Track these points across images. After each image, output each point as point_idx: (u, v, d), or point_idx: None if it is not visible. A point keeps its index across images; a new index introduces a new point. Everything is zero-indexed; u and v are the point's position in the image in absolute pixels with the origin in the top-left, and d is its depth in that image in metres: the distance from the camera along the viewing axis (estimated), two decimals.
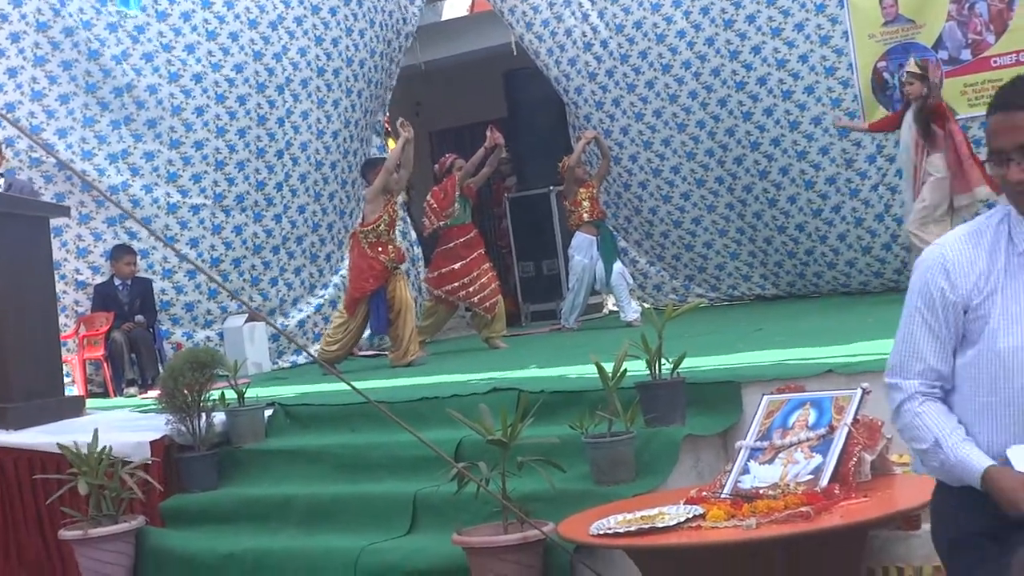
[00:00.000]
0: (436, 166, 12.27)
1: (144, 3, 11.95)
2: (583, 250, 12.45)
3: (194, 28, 12.27)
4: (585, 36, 13.83)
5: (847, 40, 12.16)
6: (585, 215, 12.40)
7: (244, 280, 12.49)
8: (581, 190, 12.43)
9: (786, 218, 12.94)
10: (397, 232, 11.74)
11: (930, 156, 10.45)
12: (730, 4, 12.80)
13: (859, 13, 12.07)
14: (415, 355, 10.93)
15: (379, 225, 10.88)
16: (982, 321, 3.45)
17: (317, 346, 11.91)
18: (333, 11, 13.29)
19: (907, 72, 10.74)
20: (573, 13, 13.88)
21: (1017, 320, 3.41)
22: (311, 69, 13.05)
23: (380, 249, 10.88)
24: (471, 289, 11.63)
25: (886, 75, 11.99)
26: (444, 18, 15.73)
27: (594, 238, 12.42)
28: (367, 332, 11.59)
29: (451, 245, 11.66)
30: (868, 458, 5.14)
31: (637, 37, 13.45)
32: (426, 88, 16.46)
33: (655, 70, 13.39)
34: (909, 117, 10.63)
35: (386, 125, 16.11)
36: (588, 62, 13.85)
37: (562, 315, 13.00)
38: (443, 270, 11.70)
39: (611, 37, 13.64)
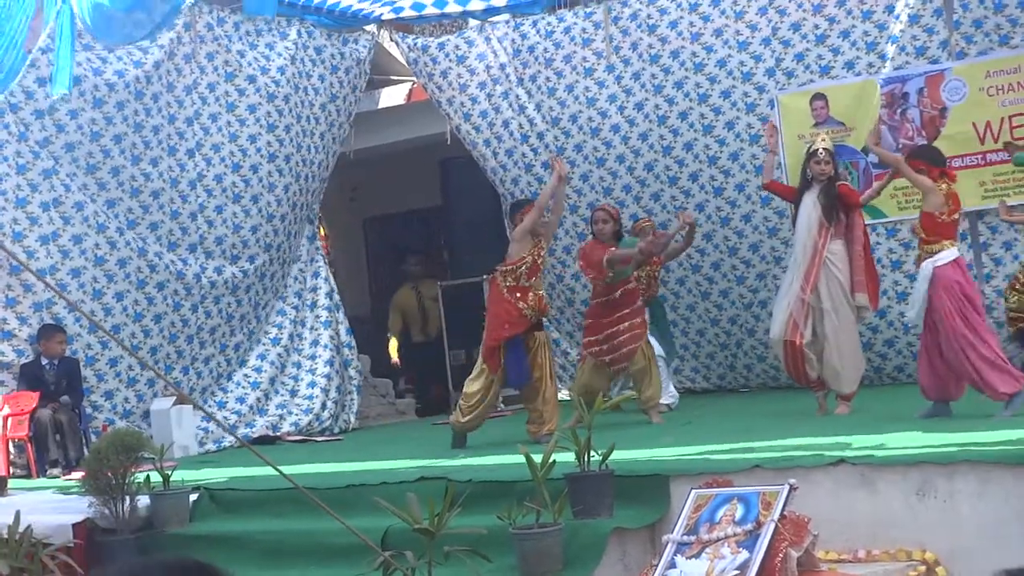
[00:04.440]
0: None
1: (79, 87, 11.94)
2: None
3: (125, 119, 12.24)
4: (522, 128, 13.94)
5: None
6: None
7: (158, 368, 12.40)
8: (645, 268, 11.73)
9: (719, 311, 13.05)
10: (543, 281, 10.67)
11: (832, 242, 9.71)
12: (663, 100, 12.99)
13: (789, 113, 12.26)
14: (553, 425, 9.91)
15: (521, 267, 10.01)
16: None
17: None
18: (252, 108, 13.28)
19: (824, 150, 9.84)
20: (511, 105, 14.00)
21: None
22: (225, 165, 13.05)
23: (519, 294, 9.99)
24: (603, 347, 10.69)
25: None
26: (381, 106, 15.82)
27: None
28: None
29: (594, 302, 10.86)
30: (794, 554, 5.17)
31: (572, 130, 13.60)
32: (362, 174, 16.51)
33: (590, 163, 13.52)
34: (809, 198, 9.77)
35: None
36: (525, 154, 13.96)
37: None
38: (587, 323, 11.00)
39: (547, 130, 13.77)
